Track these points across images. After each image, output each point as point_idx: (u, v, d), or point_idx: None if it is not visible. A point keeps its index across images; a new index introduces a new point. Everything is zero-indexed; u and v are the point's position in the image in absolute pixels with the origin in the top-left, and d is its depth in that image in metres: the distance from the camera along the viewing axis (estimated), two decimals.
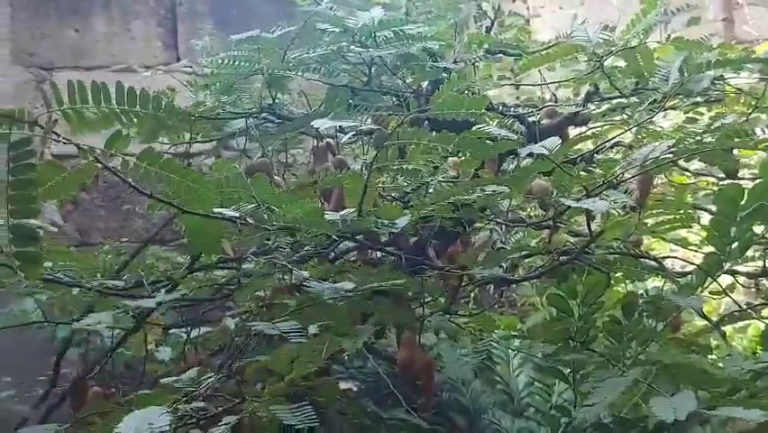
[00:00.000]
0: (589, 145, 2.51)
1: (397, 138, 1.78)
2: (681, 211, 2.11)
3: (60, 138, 1.30)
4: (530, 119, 2.44)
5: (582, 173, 2.38)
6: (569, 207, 1.83)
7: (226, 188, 1.62)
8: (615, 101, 2.24)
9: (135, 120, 1.28)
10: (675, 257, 2.57)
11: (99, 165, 1.36)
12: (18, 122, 1.23)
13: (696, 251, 2.47)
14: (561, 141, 2.34)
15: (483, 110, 1.64)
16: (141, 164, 1.32)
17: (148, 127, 1.34)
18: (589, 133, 2.55)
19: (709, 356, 2.20)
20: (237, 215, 1.53)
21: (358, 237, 1.80)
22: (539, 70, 2.31)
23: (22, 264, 1.22)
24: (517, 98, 2.75)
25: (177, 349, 2.63)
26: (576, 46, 2.02)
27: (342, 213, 1.63)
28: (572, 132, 2.52)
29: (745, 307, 2.19)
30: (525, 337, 2.68)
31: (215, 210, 1.50)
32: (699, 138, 1.71)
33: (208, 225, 1.54)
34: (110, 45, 4.44)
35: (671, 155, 1.69)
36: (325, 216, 1.62)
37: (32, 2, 4.41)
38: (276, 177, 2.67)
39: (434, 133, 1.79)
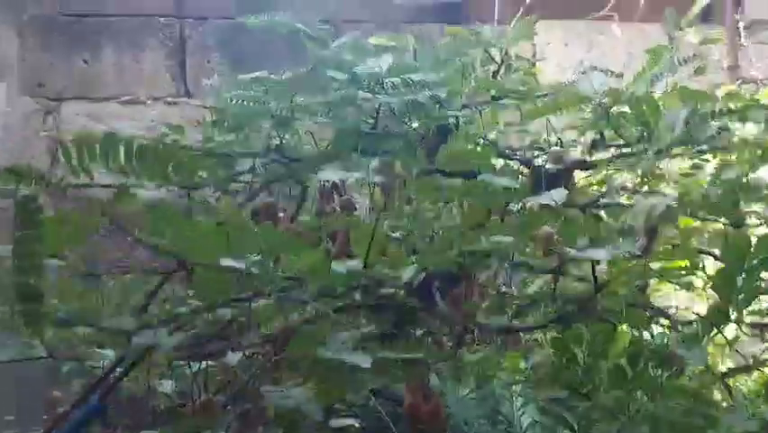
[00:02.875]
0: (594, 189, 2.53)
1: (405, 186, 1.80)
2: (688, 262, 2.11)
3: (68, 193, 1.30)
4: (536, 162, 2.45)
5: (589, 217, 2.40)
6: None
7: (231, 235, 1.63)
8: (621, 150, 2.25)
9: (145, 175, 1.29)
10: (678, 308, 2.57)
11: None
12: (26, 177, 1.23)
13: (702, 292, 2.48)
14: (567, 186, 2.37)
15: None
16: (147, 217, 1.33)
17: (158, 180, 1.34)
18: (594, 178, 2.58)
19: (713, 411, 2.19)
20: (243, 266, 1.53)
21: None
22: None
23: (26, 321, 1.22)
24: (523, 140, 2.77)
25: (180, 382, 2.63)
26: (581, 97, 2.03)
27: (349, 265, 1.64)
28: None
29: (750, 359, 2.19)
30: (529, 380, 2.67)
31: (222, 261, 1.51)
32: (704, 193, 1.71)
33: (214, 274, 1.54)
34: (118, 77, 4.48)
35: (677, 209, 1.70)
36: (332, 267, 1.62)
37: (42, 32, 4.46)
38: (281, 214, 2.68)
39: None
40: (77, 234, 1.43)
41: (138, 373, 2.47)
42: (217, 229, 1.51)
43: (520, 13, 4.21)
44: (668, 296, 3.79)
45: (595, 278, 1.97)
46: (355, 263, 1.65)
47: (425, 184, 1.69)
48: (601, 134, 2.22)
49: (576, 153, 2.52)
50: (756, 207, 1.99)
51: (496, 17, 4.25)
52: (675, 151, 2.12)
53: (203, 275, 1.56)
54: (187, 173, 1.59)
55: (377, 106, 2.12)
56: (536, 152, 2.53)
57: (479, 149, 2.09)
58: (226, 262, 1.50)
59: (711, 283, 2.03)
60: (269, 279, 1.57)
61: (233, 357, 2.67)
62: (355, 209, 2.50)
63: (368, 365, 1.50)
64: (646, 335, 2.22)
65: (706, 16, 4.15)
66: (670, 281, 2.56)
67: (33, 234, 1.21)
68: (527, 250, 2.50)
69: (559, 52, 4.72)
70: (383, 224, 2.09)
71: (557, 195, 1.81)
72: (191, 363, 2.53)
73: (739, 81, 3.93)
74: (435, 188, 1.66)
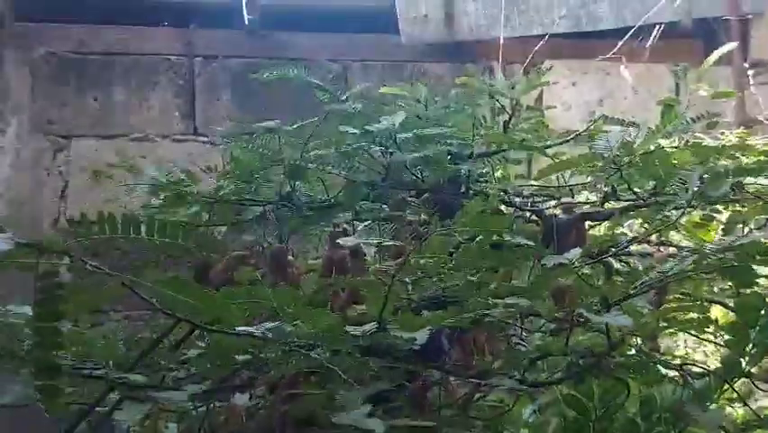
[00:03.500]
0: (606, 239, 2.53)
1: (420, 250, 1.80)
2: (699, 315, 2.11)
3: (88, 265, 1.31)
4: (547, 212, 2.46)
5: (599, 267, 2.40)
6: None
7: (248, 300, 1.63)
8: (632, 202, 2.25)
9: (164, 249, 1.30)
10: (688, 363, 2.56)
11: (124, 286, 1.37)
12: (47, 251, 1.24)
13: (710, 341, 2.47)
14: (577, 237, 2.38)
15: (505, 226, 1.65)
16: (164, 291, 1.34)
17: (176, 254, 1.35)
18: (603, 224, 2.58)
19: None
20: (259, 333, 1.53)
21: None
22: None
23: (43, 398, 1.22)
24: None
25: (184, 423, 2.62)
26: (595, 155, 2.04)
27: (363, 328, 1.64)
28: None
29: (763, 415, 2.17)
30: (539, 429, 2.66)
31: (238, 329, 1.51)
32: (721, 256, 1.71)
33: (230, 341, 1.55)
34: (128, 114, 4.51)
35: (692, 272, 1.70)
36: (346, 329, 1.62)
37: (53, 70, 4.49)
38: (292, 258, 2.69)
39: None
40: (95, 303, 1.43)
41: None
42: (232, 295, 1.51)
43: (530, 57, 4.27)
44: (674, 338, 3.78)
45: (608, 334, 1.96)
46: (369, 327, 1.64)
47: (439, 246, 1.70)
48: (613, 188, 2.23)
49: (585, 201, 2.53)
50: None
51: (501, 60, 4.28)
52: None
53: (218, 341, 1.56)
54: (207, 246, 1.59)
55: (390, 162, 2.13)
56: (545, 199, 2.54)
57: (494, 203, 2.10)
58: (242, 329, 1.50)
59: (725, 339, 2.02)
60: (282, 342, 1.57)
61: (241, 399, 2.67)
62: (365, 255, 2.50)
63: (381, 431, 1.49)
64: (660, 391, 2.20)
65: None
66: (682, 330, 2.56)
67: (53, 310, 1.22)
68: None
69: (566, 91, 4.74)
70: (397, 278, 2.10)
71: (572, 254, 1.81)
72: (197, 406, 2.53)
73: (744, 127, 3.94)
74: (450, 253, 1.66)
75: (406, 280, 2.31)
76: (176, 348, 1.74)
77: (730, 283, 2.60)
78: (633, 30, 4.42)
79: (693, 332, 2.51)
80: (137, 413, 1.86)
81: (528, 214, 2.51)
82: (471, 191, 2.23)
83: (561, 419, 2.31)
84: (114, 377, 1.91)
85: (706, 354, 3.60)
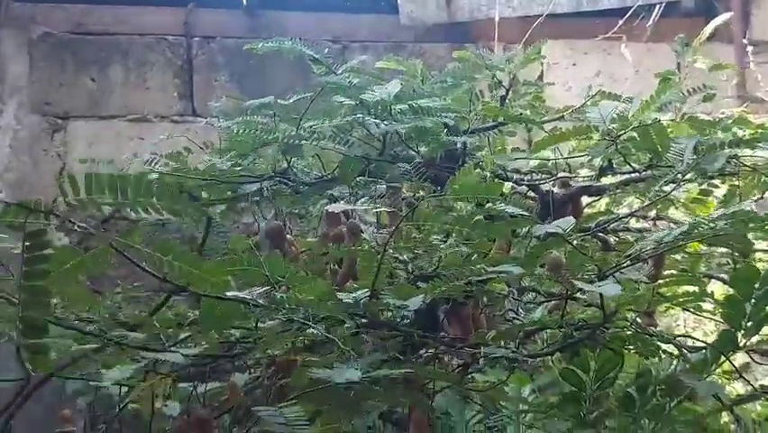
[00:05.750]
0: (602, 213, 2.52)
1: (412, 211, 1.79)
2: (696, 288, 2.10)
3: (76, 226, 1.30)
4: (543, 187, 2.45)
5: (595, 242, 2.39)
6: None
7: (240, 266, 1.63)
8: (628, 175, 2.24)
9: (151, 211, 1.29)
10: (687, 336, 2.55)
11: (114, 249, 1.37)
12: (34, 211, 1.23)
13: (709, 318, 2.47)
14: (574, 211, 2.37)
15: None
16: (152, 253, 1.33)
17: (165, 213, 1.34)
18: (602, 201, 2.57)
19: None
20: (250, 297, 1.53)
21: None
22: None
23: (30, 356, 1.22)
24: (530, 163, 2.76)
25: (185, 404, 2.62)
26: (589, 127, 2.03)
27: (355, 295, 1.64)
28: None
29: (758, 387, 2.17)
30: (535, 405, 2.66)
31: (229, 294, 1.51)
32: (713, 225, 1.70)
33: (221, 306, 1.54)
34: (126, 95, 4.50)
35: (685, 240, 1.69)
36: (338, 297, 1.62)
37: (50, 52, 4.48)
38: (289, 236, 2.68)
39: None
40: (86, 268, 1.43)
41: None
42: (223, 263, 1.50)
43: (528, 34, 4.24)
44: (674, 315, 3.77)
45: (603, 306, 1.95)
46: (361, 293, 1.64)
47: (434, 216, 1.69)
48: (609, 161, 2.22)
49: (584, 177, 2.52)
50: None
51: (496, 38, 4.25)
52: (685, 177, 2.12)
53: (210, 305, 1.56)
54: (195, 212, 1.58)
55: (384, 132, 2.12)
56: (544, 176, 2.53)
57: (487, 174, 2.09)
58: (233, 294, 1.50)
59: (721, 312, 2.01)
60: (274, 308, 1.56)
61: (240, 378, 2.67)
62: (362, 232, 2.49)
63: (356, 379, 1.48)
64: (657, 360, 2.20)
65: (713, 36, 4.15)
66: (679, 305, 2.55)
67: (40, 270, 1.21)
68: (535, 273, 2.50)
69: (567, 72, 4.72)
70: (389, 248, 2.09)
71: (564, 223, 1.80)
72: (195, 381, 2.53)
73: (746, 104, 3.92)
74: (444, 221, 1.65)
75: (405, 257, 2.31)
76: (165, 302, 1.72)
77: (728, 259, 2.60)
78: (633, 9, 4.39)
79: (690, 307, 2.52)
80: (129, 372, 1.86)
81: (525, 189, 2.50)
82: (467, 165, 2.21)
83: (559, 391, 2.31)
84: (113, 335, 1.91)
85: (705, 333, 3.60)
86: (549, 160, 2.39)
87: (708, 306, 2.56)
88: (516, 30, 4.50)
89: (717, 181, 2.38)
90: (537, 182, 2.45)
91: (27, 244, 1.24)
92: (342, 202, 2.57)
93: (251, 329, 2.06)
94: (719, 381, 2.39)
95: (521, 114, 2.42)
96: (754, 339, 2.08)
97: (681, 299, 2.28)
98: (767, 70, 4.36)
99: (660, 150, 2.10)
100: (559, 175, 2.42)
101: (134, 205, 1.27)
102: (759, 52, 4.36)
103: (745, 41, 4.31)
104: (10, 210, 1.24)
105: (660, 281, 2.22)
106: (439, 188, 2.28)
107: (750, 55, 4.24)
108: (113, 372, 2.01)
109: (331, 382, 1.54)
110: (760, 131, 2.13)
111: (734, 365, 2.12)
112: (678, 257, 2.56)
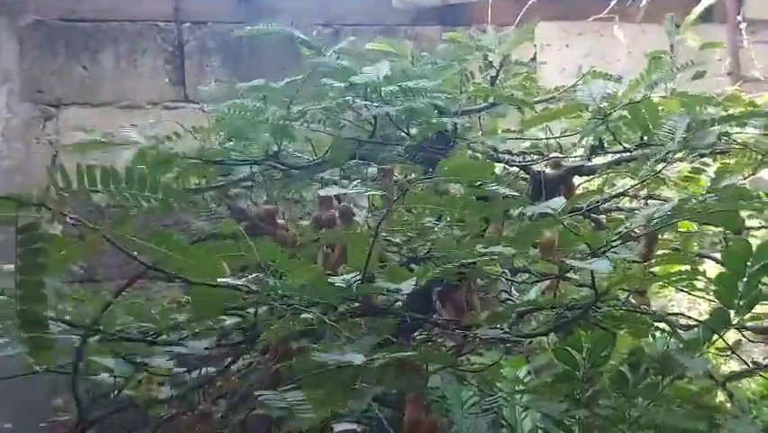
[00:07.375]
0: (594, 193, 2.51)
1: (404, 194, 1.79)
2: (688, 267, 2.10)
3: (69, 219, 1.29)
4: (535, 168, 2.44)
5: (588, 222, 2.39)
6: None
7: (231, 252, 1.62)
8: (620, 154, 2.23)
9: (144, 203, 1.29)
10: (681, 314, 2.55)
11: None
12: (26, 204, 1.23)
13: (702, 298, 2.47)
14: (566, 191, 2.36)
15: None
16: (146, 244, 1.33)
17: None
18: (594, 182, 2.56)
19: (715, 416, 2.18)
20: (241, 283, 1.52)
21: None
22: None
23: (31, 350, 1.22)
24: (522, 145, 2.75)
25: (179, 389, 2.63)
26: (579, 104, 2.02)
27: (347, 278, 1.63)
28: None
29: (751, 364, 2.17)
30: (530, 386, 2.67)
31: (220, 280, 1.50)
32: (703, 200, 1.70)
33: (212, 292, 1.54)
34: (118, 82, 4.47)
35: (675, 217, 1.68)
36: (331, 281, 1.61)
37: (42, 39, 4.45)
38: (281, 220, 2.68)
39: None
40: (78, 256, 1.42)
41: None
42: (214, 250, 1.50)
43: (521, 15, 4.22)
44: (668, 297, 3.77)
45: (594, 285, 1.95)
46: (353, 276, 1.64)
47: (425, 198, 1.68)
48: (600, 140, 2.21)
49: (575, 157, 2.52)
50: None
51: (489, 20, 4.23)
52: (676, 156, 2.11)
53: (200, 293, 1.55)
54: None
55: (374, 114, 2.11)
56: (535, 157, 2.53)
57: (479, 156, 2.08)
58: (224, 280, 1.49)
59: (713, 289, 2.01)
60: (266, 293, 1.56)
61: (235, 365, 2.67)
62: (354, 216, 2.49)
63: (359, 362, 1.48)
64: (650, 339, 2.21)
65: (707, 16, 4.14)
66: (672, 284, 2.55)
67: (35, 263, 1.21)
68: (527, 254, 2.50)
69: (559, 53, 4.70)
70: (381, 231, 2.08)
71: (555, 203, 1.79)
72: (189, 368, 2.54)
73: (740, 82, 3.91)
74: (435, 203, 1.64)
75: (398, 240, 2.31)
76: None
77: (720, 238, 2.60)
78: None
79: (683, 286, 2.52)
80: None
81: (517, 170, 2.50)
82: (458, 146, 2.21)
83: (551, 357, 2.31)
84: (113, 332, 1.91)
85: (701, 313, 3.60)
86: (540, 140, 2.38)
87: (701, 285, 2.57)
88: (509, 12, 4.47)
89: (708, 160, 2.38)
90: (529, 163, 2.45)
91: (20, 237, 1.23)
92: (334, 186, 2.58)
93: (244, 316, 2.06)
94: (712, 359, 2.39)
95: (512, 94, 2.41)
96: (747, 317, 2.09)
97: (673, 279, 2.28)
98: (762, 49, 4.34)
99: (651, 127, 2.10)
100: (551, 155, 2.41)
101: (128, 198, 1.26)
102: (753, 31, 4.35)
103: (738, 18, 4.29)
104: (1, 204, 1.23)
105: (652, 261, 2.22)
106: (431, 169, 2.28)
107: (744, 34, 4.23)
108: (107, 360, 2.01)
109: (331, 365, 1.54)
110: (750, 108, 2.12)
111: (727, 343, 2.13)
112: (670, 236, 2.56)
